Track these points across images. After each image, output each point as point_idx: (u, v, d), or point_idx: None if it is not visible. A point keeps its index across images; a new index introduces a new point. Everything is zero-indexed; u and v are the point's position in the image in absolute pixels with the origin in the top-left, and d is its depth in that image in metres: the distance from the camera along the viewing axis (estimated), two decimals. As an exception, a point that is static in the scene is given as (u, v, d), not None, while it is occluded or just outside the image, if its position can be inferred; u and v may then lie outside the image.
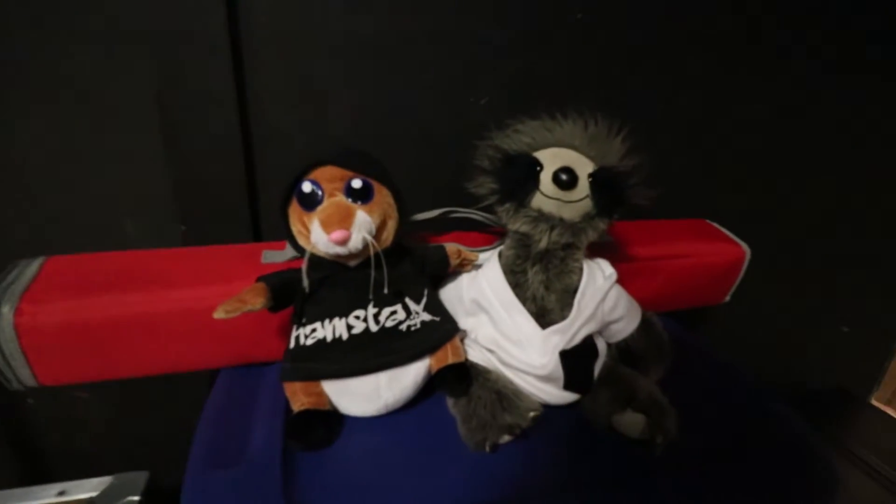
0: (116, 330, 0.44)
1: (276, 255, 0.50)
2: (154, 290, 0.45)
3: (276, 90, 0.57)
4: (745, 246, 0.67)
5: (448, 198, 0.56)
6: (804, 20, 0.71)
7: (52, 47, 0.51)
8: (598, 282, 0.47)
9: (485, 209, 0.49)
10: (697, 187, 0.77)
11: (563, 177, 0.41)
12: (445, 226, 0.58)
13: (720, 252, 0.66)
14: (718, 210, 0.72)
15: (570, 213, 0.42)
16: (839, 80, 0.77)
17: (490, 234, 0.59)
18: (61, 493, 0.57)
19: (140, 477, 0.58)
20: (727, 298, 0.71)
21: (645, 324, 0.50)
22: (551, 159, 0.42)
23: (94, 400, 0.68)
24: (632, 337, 0.49)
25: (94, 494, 0.57)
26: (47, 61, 0.52)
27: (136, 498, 0.56)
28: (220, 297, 0.40)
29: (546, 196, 0.42)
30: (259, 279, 0.43)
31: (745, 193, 0.84)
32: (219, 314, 0.38)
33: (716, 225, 0.71)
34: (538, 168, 0.42)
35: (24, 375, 0.45)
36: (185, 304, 0.45)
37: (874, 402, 1.08)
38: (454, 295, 0.50)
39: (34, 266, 0.48)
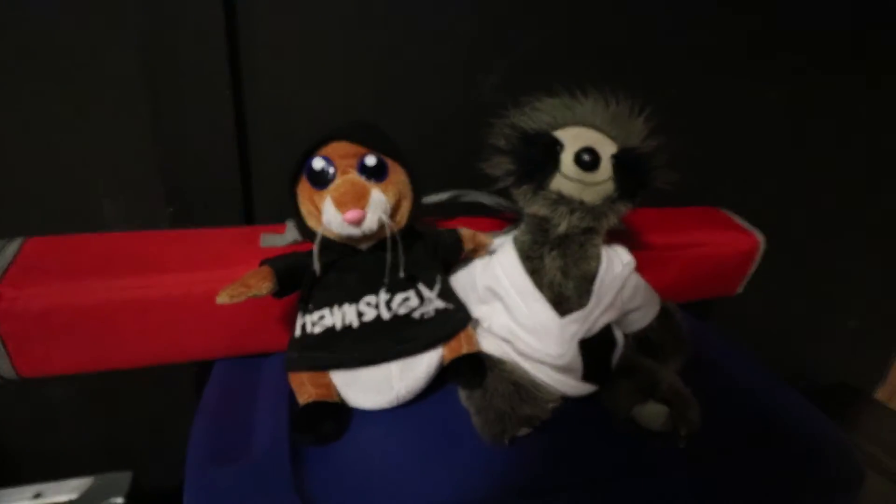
0: (106, 317, 0.43)
1: (276, 239, 0.49)
2: (147, 274, 0.44)
3: (272, 62, 0.56)
4: (759, 235, 0.68)
5: (455, 181, 0.56)
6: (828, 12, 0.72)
7: (22, 14, 0.50)
8: (616, 269, 0.47)
9: (499, 192, 0.50)
10: (708, 173, 0.78)
11: (586, 157, 0.41)
12: (452, 210, 0.58)
13: (734, 241, 0.67)
14: (723, 197, 0.74)
15: (592, 195, 0.42)
16: (868, 73, 0.78)
17: (500, 218, 0.59)
18: (37, 496, 0.55)
19: (123, 478, 0.57)
20: (739, 290, 0.72)
21: (664, 313, 0.50)
22: (573, 139, 0.42)
23: (64, 394, 0.67)
24: (650, 327, 0.50)
25: (73, 497, 0.55)
26: (18, 31, 0.50)
27: (121, 500, 0.55)
28: (219, 282, 0.39)
29: (567, 178, 0.42)
30: (263, 262, 0.42)
31: (753, 182, 0.85)
32: (222, 299, 0.38)
33: (728, 213, 0.72)
34: (559, 148, 0.42)
35: (3, 367, 0.44)
36: (182, 289, 0.44)
37: (878, 398, 1.12)
38: (467, 282, 0.50)
39: (12, 247, 0.46)
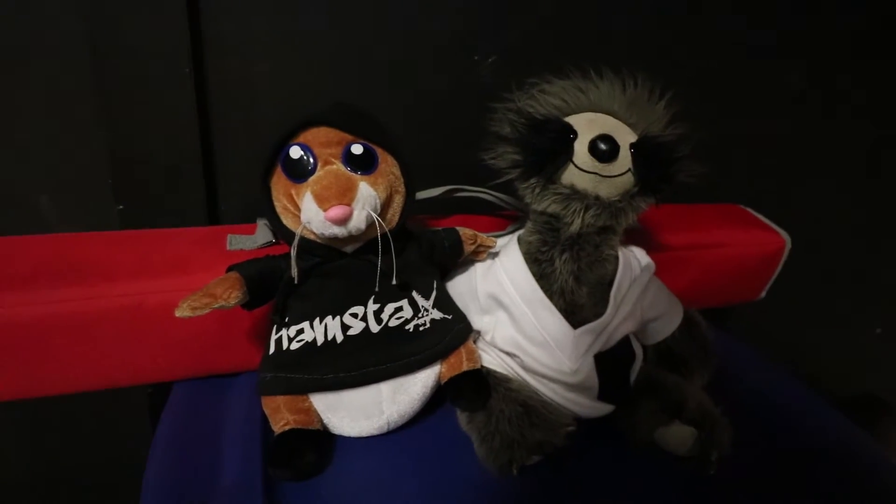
0: (43, 334, 0.42)
1: (245, 241, 0.49)
2: (92, 283, 0.43)
3: (240, 36, 0.55)
4: (784, 234, 0.68)
5: (452, 174, 0.55)
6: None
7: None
8: (635, 273, 0.47)
9: (502, 186, 0.48)
10: (729, 166, 0.78)
11: (603, 146, 0.40)
12: (449, 207, 0.57)
13: (759, 241, 0.67)
14: (745, 193, 0.74)
15: (609, 190, 0.42)
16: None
17: (503, 216, 0.58)
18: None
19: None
20: (762, 294, 0.72)
21: (687, 322, 0.50)
22: (587, 126, 0.41)
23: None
24: (673, 337, 0.50)
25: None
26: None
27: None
28: (177, 292, 0.39)
29: (581, 169, 0.41)
30: (231, 268, 0.41)
31: (777, 178, 0.85)
32: (182, 312, 0.37)
33: (751, 211, 0.72)
34: (571, 136, 0.41)
35: (-81, 393, 0.41)
36: (134, 301, 0.44)
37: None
38: (466, 288, 0.49)
39: (-71, 252, 0.44)
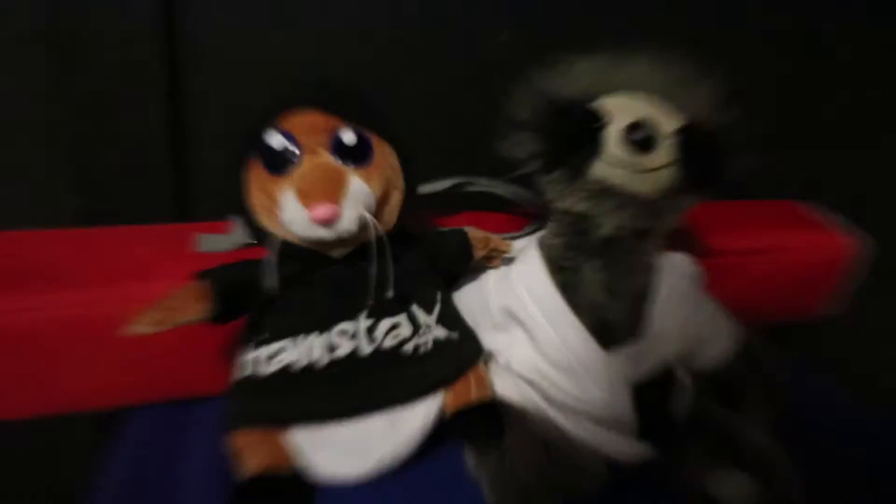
0: None
1: (218, 241, 0.50)
2: (32, 290, 0.44)
3: (218, 6, 0.56)
4: (861, 238, 0.67)
5: (461, 165, 0.56)
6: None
7: None
8: (679, 284, 0.47)
9: (520, 180, 0.51)
10: (794, 159, 0.78)
11: (640, 134, 0.40)
12: (456, 203, 0.58)
13: (826, 246, 0.66)
14: (812, 191, 0.74)
15: (646, 186, 0.42)
16: None
17: (520, 215, 0.59)
18: None
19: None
20: (831, 310, 0.71)
21: (745, 345, 0.50)
22: (621, 110, 0.42)
23: None
24: (727, 364, 0.49)
25: None
26: None
27: None
28: (134, 303, 0.39)
29: (613, 162, 0.41)
30: (197, 275, 0.42)
31: (846, 169, 0.84)
32: (138, 328, 0.37)
33: (816, 209, 0.72)
34: (602, 122, 0.41)
35: None
36: (80, 312, 0.44)
37: None
38: (476, 301, 0.50)
39: None
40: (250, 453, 0.40)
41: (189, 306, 0.39)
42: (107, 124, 0.55)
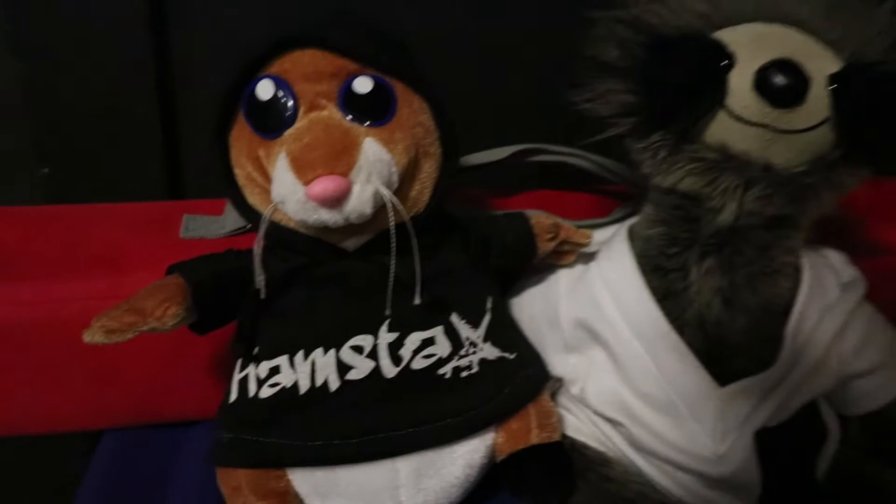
0: None
1: (208, 226, 0.49)
2: None
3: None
4: None
5: (519, 128, 0.53)
6: None
7: None
8: (829, 295, 0.45)
9: (601, 146, 0.47)
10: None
11: (781, 79, 0.36)
12: (514, 179, 0.56)
13: None
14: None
15: (788, 154, 0.38)
16: None
17: (600, 194, 0.57)
18: None
19: None
20: None
21: None
22: (753, 45, 0.38)
23: None
24: (894, 407, 0.46)
25: None
26: None
27: None
28: (105, 301, 0.38)
29: (740, 119, 0.38)
30: (172, 269, 0.41)
31: None
32: (93, 335, 0.36)
33: None
34: (725, 63, 0.38)
35: None
36: (44, 312, 0.45)
37: None
38: (542, 311, 0.49)
39: None
40: (241, 500, 0.40)
41: (156, 309, 0.37)
42: (80, 83, 0.54)
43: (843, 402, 0.47)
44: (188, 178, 0.61)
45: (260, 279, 0.39)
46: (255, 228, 0.41)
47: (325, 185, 0.35)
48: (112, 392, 0.48)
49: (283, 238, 0.40)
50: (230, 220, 0.48)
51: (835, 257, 0.46)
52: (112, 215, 0.52)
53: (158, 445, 0.49)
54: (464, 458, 0.42)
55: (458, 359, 0.42)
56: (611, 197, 0.57)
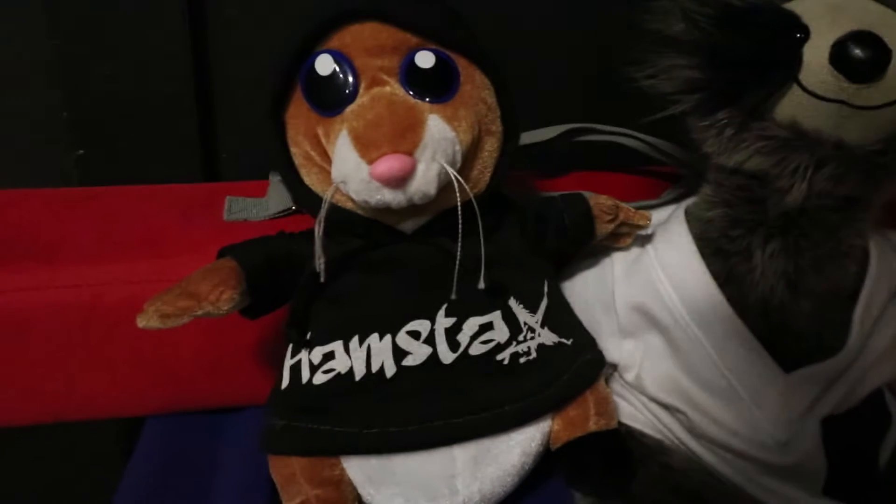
0: None
1: (252, 207, 0.49)
2: (25, 267, 0.45)
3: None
4: None
5: (573, 106, 0.53)
6: None
7: None
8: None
9: (657, 126, 0.46)
10: None
11: (860, 52, 0.35)
12: (566, 158, 0.56)
13: None
14: None
15: (863, 131, 0.37)
16: None
17: (652, 176, 0.57)
18: None
19: None
20: None
21: None
22: (828, 16, 0.37)
23: None
24: None
25: None
26: None
27: None
28: (148, 285, 0.41)
29: (814, 95, 0.37)
30: (223, 252, 0.41)
31: None
32: (148, 320, 0.36)
33: None
34: (799, 35, 0.37)
35: None
36: (83, 295, 0.44)
37: None
38: (596, 295, 0.49)
39: None
40: (295, 488, 0.40)
41: (211, 294, 0.37)
42: (118, 59, 0.53)
43: None
44: (223, 161, 0.61)
45: (320, 263, 0.38)
46: (304, 207, 0.42)
47: (391, 163, 0.35)
48: (156, 377, 0.48)
49: (339, 220, 0.40)
50: (273, 201, 0.48)
51: None
52: (150, 197, 0.53)
53: (204, 431, 0.49)
54: (520, 445, 0.42)
55: (517, 344, 0.42)
56: (660, 178, 0.56)
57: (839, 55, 0.35)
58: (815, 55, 0.36)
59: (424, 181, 0.36)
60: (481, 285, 0.40)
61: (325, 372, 0.41)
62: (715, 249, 0.43)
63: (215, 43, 0.57)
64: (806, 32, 0.37)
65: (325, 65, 0.37)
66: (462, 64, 0.39)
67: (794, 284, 0.42)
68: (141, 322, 0.36)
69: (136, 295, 0.38)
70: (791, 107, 0.38)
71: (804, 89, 0.37)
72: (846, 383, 0.42)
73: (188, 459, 0.47)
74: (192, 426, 0.49)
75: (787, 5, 0.38)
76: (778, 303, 0.42)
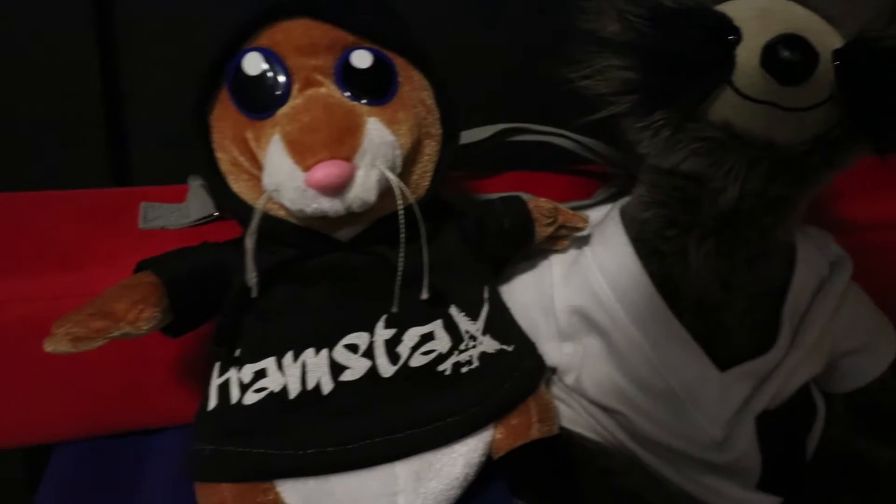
0: None
1: (170, 214, 0.49)
2: None
3: None
4: None
5: (509, 106, 0.54)
6: None
7: None
8: (821, 275, 0.46)
9: (593, 126, 0.45)
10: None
11: (788, 54, 0.35)
12: (497, 159, 0.56)
13: None
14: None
15: (793, 132, 0.38)
16: None
17: (584, 175, 0.56)
18: None
19: None
20: None
21: None
22: (758, 20, 0.37)
23: None
24: (881, 383, 0.48)
25: None
26: None
27: None
28: (57, 302, 0.40)
29: (746, 97, 0.37)
30: (141, 266, 0.39)
31: None
32: (57, 344, 0.34)
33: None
34: (731, 38, 0.37)
35: None
36: None
37: None
38: (535, 299, 0.48)
39: None
40: None
41: (129, 312, 0.35)
42: (15, 45, 0.51)
43: (829, 380, 0.48)
44: (135, 163, 0.59)
45: (252, 276, 0.37)
46: (232, 215, 0.40)
47: (329, 170, 0.34)
48: (65, 402, 0.46)
49: (271, 229, 0.38)
50: (194, 207, 0.47)
51: (819, 235, 0.47)
52: (56, 204, 0.50)
53: (119, 458, 0.47)
54: (463, 457, 0.41)
55: (458, 354, 0.42)
56: (591, 177, 0.57)
57: (769, 57, 0.36)
58: (747, 57, 0.37)
59: (364, 188, 0.36)
60: (424, 295, 0.39)
61: (257, 391, 0.39)
62: (651, 250, 0.44)
63: (125, 31, 0.55)
64: (738, 35, 0.37)
65: (253, 64, 0.36)
66: (400, 64, 0.39)
67: (728, 283, 0.42)
68: (48, 346, 0.34)
69: (40, 313, 0.37)
70: (724, 108, 0.38)
71: (737, 91, 0.37)
72: (778, 379, 0.43)
73: (102, 488, 0.45)
74: (107, 450, 0.47)
75: (720, 7, 0.38)
76: (712, 302, 0.42)
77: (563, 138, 0.54)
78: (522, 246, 0.47)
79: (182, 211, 0.48)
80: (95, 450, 0.47)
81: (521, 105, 0.54)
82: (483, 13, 0.59)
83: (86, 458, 0.47)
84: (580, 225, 0.47)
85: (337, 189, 0.35)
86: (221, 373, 0.41)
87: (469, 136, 0.52)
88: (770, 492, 0.44)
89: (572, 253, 0.48)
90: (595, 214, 0.49)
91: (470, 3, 0.60)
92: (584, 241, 0.48)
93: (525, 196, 0.47)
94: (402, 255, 0.38)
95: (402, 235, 0.38)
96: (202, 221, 0.48)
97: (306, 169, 0.34)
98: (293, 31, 0.37)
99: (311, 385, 0.39)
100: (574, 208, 0.50)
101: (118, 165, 0.58)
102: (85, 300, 0.36)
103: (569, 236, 0.47)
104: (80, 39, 0.53)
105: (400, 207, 0.37)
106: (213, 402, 0.40)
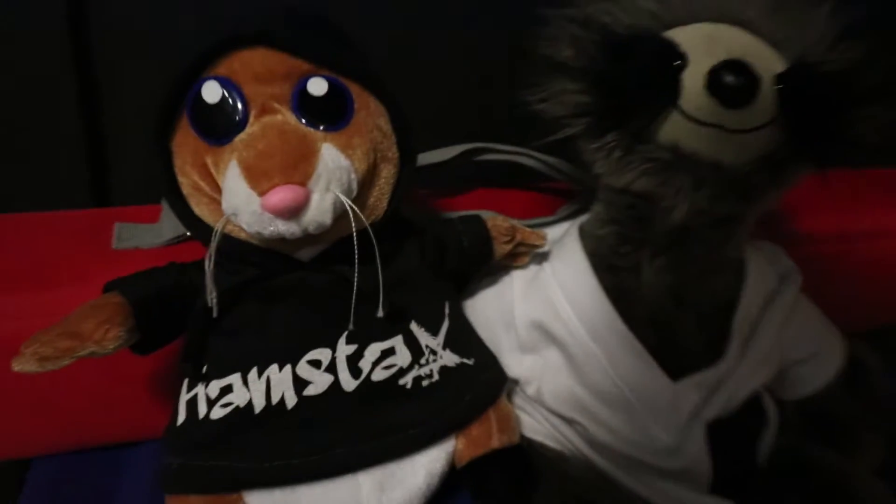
0: None
1: (143, 235, 0.48)
2: None
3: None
4: None
5: (469, 127, 0.53)
6: None
7: None
8: (770, 287, 0.46)
9: (552, 146, 0.47)
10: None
11: (732, 79, 0.36)
12: (464, 178, 0.56)
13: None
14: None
15: (738, 153, 0.39)
16: None
17: (547, 193, 0.57)
18: None
19: None
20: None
21: (852, 364, 0.49)
22: (704, 46, 0.38)
23: None
24: (828, 390, 0.48)
25: None
26: None
27: None
28: (27, 322, 0.38)
29: (693, 119, 0.38)
30: (109, 287, 0.39)
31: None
32: (24, 364, 0.34)
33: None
34: (678, 63, 0.38)
35: None
36: None
37: None
38: (496, 314, 0.49)
39: None
40: None
41: (96, 332, 0.36)
42: None
43: (780, 388, 0.48)
44: (114, 184, 0.58)
45: (212, 297, 0.37)
46: (195, 237, 0.40)
47: (283, 195, 0.34)
48: (41, 418, 0.46)
49: (233, 250, 0.39)
50: (167, 228, 0.47)
51: (770, 249, 0.47)
52: (31, 225, 0.50)
53: (96, 471, 0.47)
54: (425, 467, 0.42)
55: (419, 368, 0.42)
56: (555, 195, 0.57)
57: (714, 82, 0.36)
58: (693, 82, 0.37)
59: (319, 211, 0.36)
60: (380, 313, 0.39)
61: (223, 406, 0.39)
62: (607, 266, 0.44)
63: (103, 59, 0.55)
64: (684, 60, 0.37)
65: (212, 92, 0.36)
66: (356, 91, 0.39)
67: (680, 297, 0.43)
68: (16, 366, 0.34)
69: (12, 332, 0.36)
70: (673, 130, 0.38)
71: (684, 114, 0.37)
72: (728, 388, 0.43)
73: (79, 501, 0.45)
74: (83, 464, 0.47)
75: (668, 34, 0.39)
76: (665, 315, 0.43)
77: (527, 157, 0.54)
78: (482, 263, 0.47)
79: (155, 231, 0.48)
80: (72, 464, 0.47)
81: (492, 124, 0.54)
82: (441, 39, 0.58)
83: (63, 472, 0.47)
84: (538, 242, 0.47)
85: (292, 212, 0.35)
86: (189, 388, 0.41)
87: (435, 156, 0.52)
88: (722, 495, 0.44)
89: (533, 269, 0.48)
90: (556, 231, 0.49)
91: (424, 21, 0.59)
92: (544, 258, 0.48)
93: (485, 215, 0.47)
94: (357, 273, 0.38)
95: (357, 256, 0.38)
96: (175, 241, 0.48)
97: (261, 194, 0.35)
98: (251, 60, 0.37)
99: (275, 400, 0.39)
100: (538, 225, 0.50)
101: (97, 185, 0.57)
102: (58, 319, 0.36)
103: (528, 253, 0.47)
104: (57, 59, 0.52)
105: (354, 229, 0.37)
106: (181, 417, 0.41)
